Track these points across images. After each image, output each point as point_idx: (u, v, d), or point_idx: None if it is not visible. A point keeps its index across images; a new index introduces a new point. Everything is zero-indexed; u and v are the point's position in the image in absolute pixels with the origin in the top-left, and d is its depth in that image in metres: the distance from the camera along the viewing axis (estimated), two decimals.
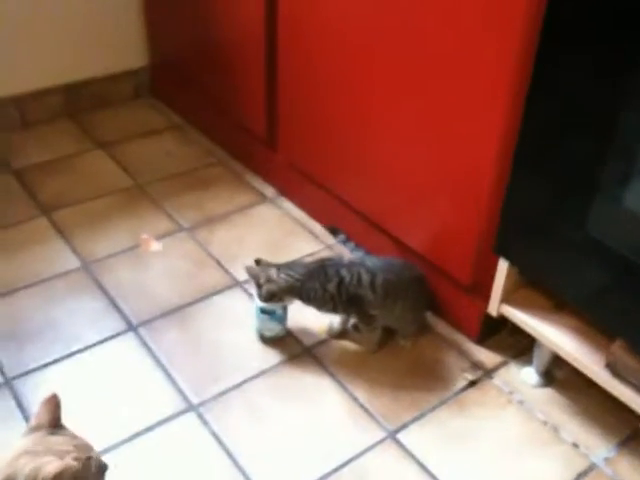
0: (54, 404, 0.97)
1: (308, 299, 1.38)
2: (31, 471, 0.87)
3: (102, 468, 0.96)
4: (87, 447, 0.96)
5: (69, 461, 0.88)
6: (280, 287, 1.36)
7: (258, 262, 1.42)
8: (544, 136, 1.12)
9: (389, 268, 1.40)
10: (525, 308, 1.32)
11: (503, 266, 1.29)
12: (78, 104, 2.23)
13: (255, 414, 1.30)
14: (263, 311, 1.41)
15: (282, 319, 1.44)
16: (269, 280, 1.36)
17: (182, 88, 2.21)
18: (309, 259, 1.47)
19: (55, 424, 0.95)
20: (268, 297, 1.37)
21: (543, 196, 1.16)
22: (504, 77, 1.15)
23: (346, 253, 1.66)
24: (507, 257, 1.27)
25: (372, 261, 1.42)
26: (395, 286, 1.37)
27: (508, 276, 1.30)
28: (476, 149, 1.25)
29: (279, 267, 1.39)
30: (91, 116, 2.23)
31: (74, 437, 0.96)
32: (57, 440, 0.92)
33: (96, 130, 2.17)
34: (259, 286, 1.38)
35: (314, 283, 1.36)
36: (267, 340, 1.44)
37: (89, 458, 0.92)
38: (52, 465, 0.87)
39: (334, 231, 1.74)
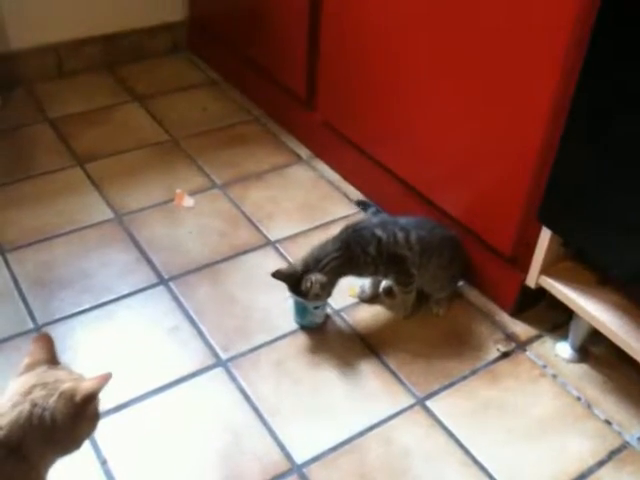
0: (47, 342, 0.93)
1: (350, 269, 1.33)
2: (65, 391, 0.84)
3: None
4: None
5: (102, 379, 0.85)
6: (329, 277, 1.28)
7: (277, 274, 1.31)
8: (601, 100, 1.07)
9: (421, 225, 1.37)
10: (565, 281, 1.28)
11: (545, 236, 1.26)
12: (116, 55, 2.22)
13: (283, 373, 1.29)
14: (316, 307, 1.34)
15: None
16: (316, 280, 1.27)
17: (220, 43, 2.17)
18: (323, 239, 1.35)
19: (53, 361, 0.92)
20: (325, 294, 1.30)
21: (595, 163, 1.11)
22: (560, 38, 1.10)
23: None
24: (550, 226, 1.23)
25: (404, 220, 1.38)
26: (429, 243, 1.34)
27: (549, 247, 1.27)
28: (525, 113, 1.20)
29: (306, 260, 1.30)
30: (128, 68, 2.21)
31: (73, 373, 0.91)
32: (62, 374, 0.89)
33: (133, 82, 2.15)
34: (305, 291, 1.28)
35: (354, 249, 1.31)
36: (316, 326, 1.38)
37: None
38: (90, 382, 0.85)
39: (364, 205, 1.70)
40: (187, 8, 2.27)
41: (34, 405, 0.83)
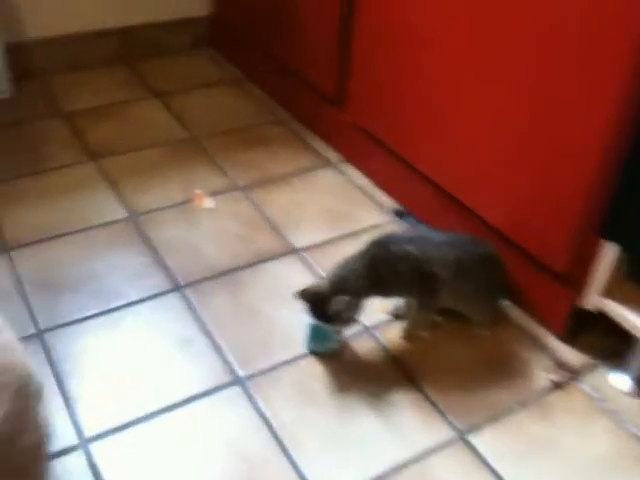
0: None
1: (379, 289, 1.19)
2: None
3: None
4: None
5: None
6: (358, 299, 1.16)
7: (303, 294, 1.18)
8: None
9: (455, 243, 1.24)
10: (627, 304, 1.15)
11: (608, 254, 1.12)
12: (133, 50, 2.12)
13: (306, 395, 1.16)
14: (336, 331, 1.22)
15: None
16: (347, 303, 1.14)
17: (243, 40, 2.07)
18: (348, 253, 1.21)
19: None
20: (354, 318, 1.18)
21: None
22: (629, 32, 0.97)
23: None
24: (620, 242, 1.09)
25: (437, 236, 1.26)
26: (465, 263, 1.21)
27: (610, 265, 1.13)
28: (585, 110, 1.08)
29: (332, 281, 1.16)
30: (146, 63, 2.12)
31: None
32: None
33: (151, 78, 2.05)
34: (334, 314, 1.14)
35: (383, 268, 1.17)
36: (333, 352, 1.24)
37: None
38: None
39: (401, 214, 1.57)
40: (212, 3, 2.17)
41: None
